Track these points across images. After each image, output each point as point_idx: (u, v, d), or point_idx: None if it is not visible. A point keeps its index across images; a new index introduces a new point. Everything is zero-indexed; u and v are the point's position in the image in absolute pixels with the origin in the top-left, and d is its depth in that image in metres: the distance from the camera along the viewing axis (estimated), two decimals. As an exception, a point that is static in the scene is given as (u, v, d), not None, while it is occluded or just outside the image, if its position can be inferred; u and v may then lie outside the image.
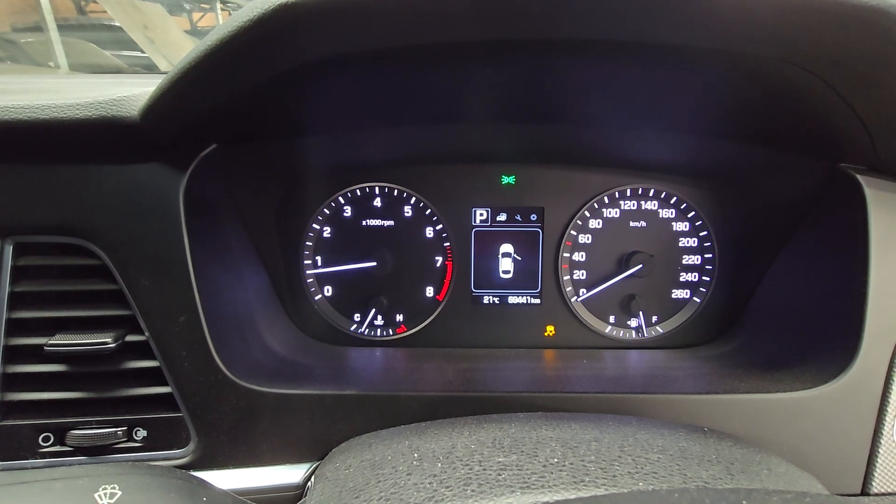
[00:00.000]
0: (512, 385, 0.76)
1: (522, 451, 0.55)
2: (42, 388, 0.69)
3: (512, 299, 1.03)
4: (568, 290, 1.01)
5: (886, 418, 0.69)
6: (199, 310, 0.69)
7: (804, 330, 0.80)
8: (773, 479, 0.53)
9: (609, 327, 1.02)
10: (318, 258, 1.01)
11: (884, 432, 0.69)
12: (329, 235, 1.01)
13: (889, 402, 0.69)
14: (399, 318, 1.03)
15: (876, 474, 0.70)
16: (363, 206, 1.00)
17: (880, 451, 0.70)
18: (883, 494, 0.70)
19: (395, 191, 1.00)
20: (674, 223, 1.00)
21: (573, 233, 1.01)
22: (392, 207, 1.01)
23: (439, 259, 1.02)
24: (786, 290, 0.88)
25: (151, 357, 0.70)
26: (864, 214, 0.71)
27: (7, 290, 0.68)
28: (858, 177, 0.72)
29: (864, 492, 0.70)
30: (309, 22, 0.51)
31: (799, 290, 0.84)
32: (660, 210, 1.00)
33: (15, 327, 0.69)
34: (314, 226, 1.00)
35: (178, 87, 0.59)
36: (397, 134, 0.91)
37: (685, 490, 0.39)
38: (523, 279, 1.02)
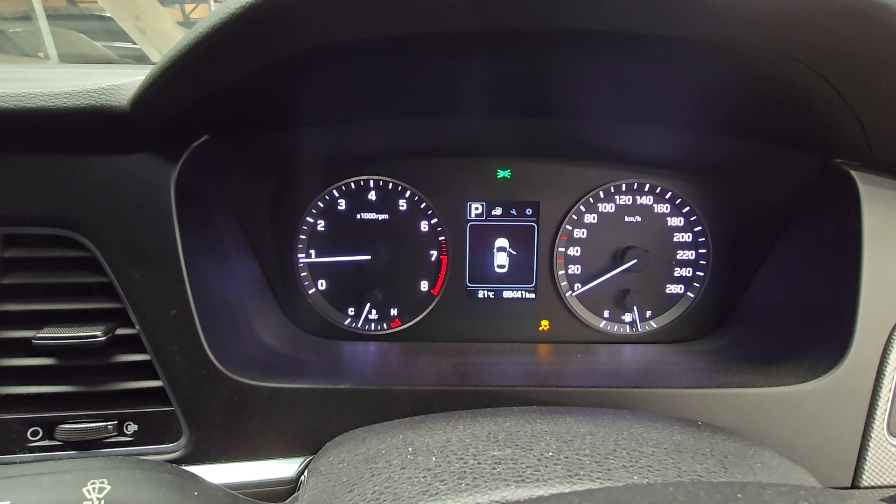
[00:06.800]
0: (506, 379, 0.76)
1: (517, 445, 0.55)
2: (31, 381, 0.68)
3: (507, 294, 1.03)
4: (563, 284, 1.01)
5: (877, 413, 0.70)
6: (190, 303, 0.68)
7: (797, 325, 0.81)
8: (766, 473, 0.53)
9: (603, 322, 1.02)
10: (312, 251, 1.00)
11: (874, 426, 0.70)
12: (323, 228, 1.00)
13: (879, 396, 0.70)
14: (393, 312, 1.02)
15: (866, 468, 0.71)
16: (358, 200, 1.00)
17: (870, 445, 0.70)
18: (873, 487, 0.71)
19: (390, 184, 0.99)
20: (669, 218, 1.00)
21: (568, 227, 1.00)
22: (387, 201, 1.00)
23: (434, 253, 1.01)
24: (779, 284, 0.88)
25: (142, 350, 0.69)
26: (857, 210, 0.71)
27: (-6, 282, 0.67)
28: (853, 172, 0.72)
29: (855, 485, 0.71)
30: (300, 10, 0.50)
31: (792, 285, 0.85)
32: (655, 205, 1.00)
33: (2, 320, 0.68)
34: (308, 219, 0.99)
35: (168, 76, 0.58)
36: (392, 126, 0.90)
37: (680, 483, 0.39)
38: (518, 274, 1.02)
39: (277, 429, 0.71)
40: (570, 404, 0.71)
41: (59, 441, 0.68)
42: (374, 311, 1.02)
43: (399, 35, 0.56)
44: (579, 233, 1.01)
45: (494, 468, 0.51)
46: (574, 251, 1.01)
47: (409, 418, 0.68)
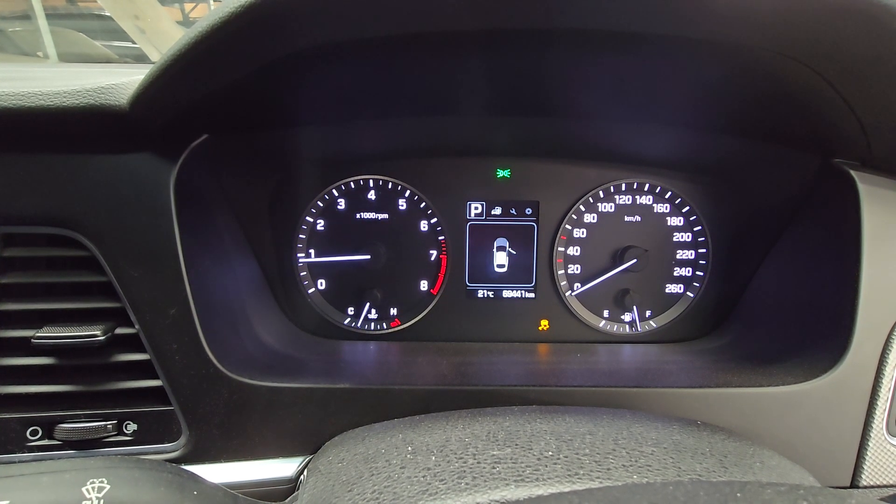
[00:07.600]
0: (506, 379, 0.76)
1: (517, 445, 0.55)
2: (30, 381, 0.68)
3: (506, 293, 1.03)
4: (562, 284, 1.01)
5: (876, 412, 0.70)
6: (190, 302, 0.68)
7: (796, 324, 0.81)
8: (765, 472, 0.53)
9: (603, 322, 1.02)
10: (312, 251, 1.00)
11: (873, 426, 0.70)
12: (323, 228, 1.00)
13: (879, 396, 0.70)
14: (393, 311, 1.02)
15: (865, 467, 0.71)
16: (357, 199, 1.00)
17: (870, 444, 0.70)
18: (872, 487, 0.71)
19: (390, 184, 0.99)
20: (668, 218, 1.00)
21: (568, 227, 1.00)
22: (386, 200, 1.00)
23: (434, 253, 1.01)
24: (779, 284, 0.88)
25: (142, 350, 0.69)
26: (856, 210, 0.71)
27: (-7, 281, 0.67)
28: (852, 172, 0.72)
29: (854, 484, 0.71)
30: (299, 9, 0.50)
31: (791, 284, 0.85)
32: (654, 205, 1.00)
33: (2, 319, 0.67)
34: (307, 218, 0.99)
35: (168, 75, 0.57)
36: (392, 126, 0.90)
37: (679, 483, 0.39)
38: (518, 273, 1.02)
39: (277, 428, 0.71)
40: (570, 404, 0.71)
41: (59, 440, 0.68)
42: (373, 311, 1.02)
43: (398, 34, 0.56)
44: (579, 232, 1.01)
45: (494, 467, 0.51)
46: (574, 251, 1.01)
47: (409, 418, 0.68)
